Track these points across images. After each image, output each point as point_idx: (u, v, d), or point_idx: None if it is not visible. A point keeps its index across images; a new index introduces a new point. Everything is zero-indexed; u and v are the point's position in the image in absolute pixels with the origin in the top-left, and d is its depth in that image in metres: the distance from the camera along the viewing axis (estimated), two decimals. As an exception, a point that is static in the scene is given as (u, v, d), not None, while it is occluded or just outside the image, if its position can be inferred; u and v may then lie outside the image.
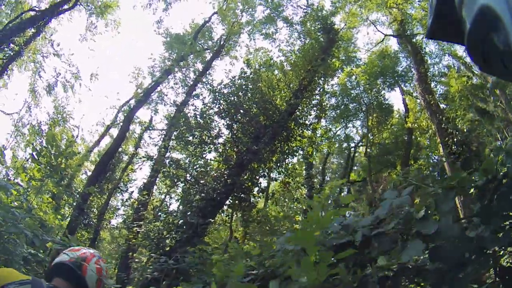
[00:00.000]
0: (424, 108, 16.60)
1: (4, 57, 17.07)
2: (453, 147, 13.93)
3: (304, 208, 15.06)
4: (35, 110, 29.54)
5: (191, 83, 16.55)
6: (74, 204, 16.34)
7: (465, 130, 15.39)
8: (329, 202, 14.85)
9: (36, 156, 15.47)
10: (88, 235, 18.97)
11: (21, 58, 19.40)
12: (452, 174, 2.63)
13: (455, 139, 14.12)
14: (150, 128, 19.52)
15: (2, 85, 20.24)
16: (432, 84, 18.40)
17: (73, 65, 22.42)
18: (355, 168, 23.58)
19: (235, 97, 13.08)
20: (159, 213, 13.16)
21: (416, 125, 20.32)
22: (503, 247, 3.05)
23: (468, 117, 16.14)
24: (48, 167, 14.54)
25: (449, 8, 0.76)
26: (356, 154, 23.30)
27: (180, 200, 13.73)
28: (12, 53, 17.06)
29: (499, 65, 0.66)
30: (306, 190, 15.30)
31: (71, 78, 22.52)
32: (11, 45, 16.68)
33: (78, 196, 14.32)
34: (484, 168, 2.58)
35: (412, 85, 21.57)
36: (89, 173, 23.78)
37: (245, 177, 12.05)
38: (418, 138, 22.20)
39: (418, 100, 19.06)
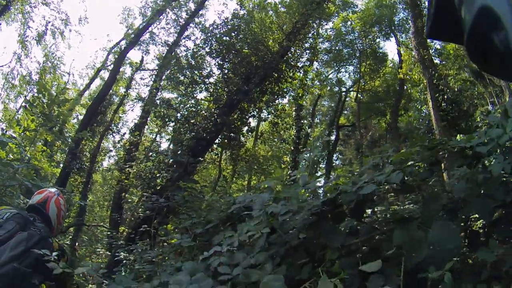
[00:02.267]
0: (418, 61, 16.50)
1: None
2: (442, 104, 14.03)
3: (292, 148, 15.28)
4: (25, 60, 28.88)
5: (183, 23, 16.18)
6: (67, 149, 16.40)
7: (456, 89, 15.43)
8: (318, 144, 15.12)
9: (28, 107, 15.36)
10: (81, 178, 19.23)
11: (9, 11, 18.75)
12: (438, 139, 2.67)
13: (445, 96, 14.20)
14: (141, 69, 19.27)
15: None
16: (428, 39, 18.14)
17: (63, 12, 21.76)
18: (345, 112, 23.68)
19: (227, 37, 12.88)
20: (150, 153, 13.34)
21: (408, 76, 20.27)
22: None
23: (461, 77, 16.14)
24: (41, 116, 14.49)
25: (449, 8, 0.75)
26: (347, 99, 23.34)
27: (170, 140, 13.86)
28: None
29: (499, 65, 0.66)
30: (295, 131, 15.45)
31: (61, 24, 21.93)
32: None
33: (70, 141, 14.35)
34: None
35: (407, 37, 21.27)
36: (81, 117, 23.79)
37: (235, 116, 12.13)
38: (410, 90, 22.23)
39: (413, 53, 18.88)
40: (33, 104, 15.66)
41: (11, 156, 6.30)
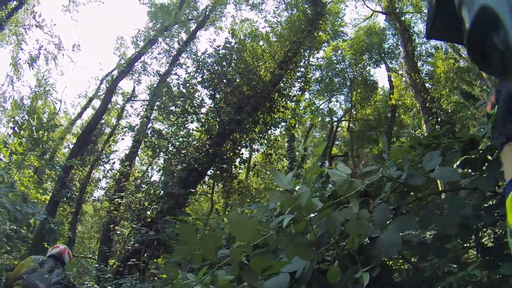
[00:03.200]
0: (409, 86, 16.66)
1: None
2: (436, 127, 14.07)
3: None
4: (17, 84, 28.88)
5: (175, 53, 16.26)
6: (56, 178, 16.14)
7: (449, 110, 15.54)
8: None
9: (17, 130, 15.13)
10: (70, 208, 18.89)
11: (3, 32, 18.81)
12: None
13: (439, 119, 14.26)
14: (133, 99, 19.23)
15: None
16: (419, 63, 18.44)
17: (56, 36, 21.89)
18: (337, 142, 23.70)
19: (219, 66, 12.90)
20: (141, 184, 13.11)
21: (400, 102, 20.43)
22: (485, 225, 3.10)
23: (452, 99, 16.30)
24: (30, 140, 14.27)
25: (449, 8, 0.76)
26: (339, 129, 23.39)
27: (161, 171, 13.67)
28: None
29: (499, 65, 0.66)
30: (287, 162, 15.34)
31: (54, 49, 22.03)
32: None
33: (60, 169, 14.13)
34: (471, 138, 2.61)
35: (398, 62, 21.58)
36: (72, 146, 23.56)
37: (227, 147, 12.00)
38: (402, 116, 22.37)
39: (404, 78, 19.09)
40: (22, 127, 15.43)
41: None
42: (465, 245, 3.36)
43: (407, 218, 2.50)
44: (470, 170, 3.11)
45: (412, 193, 2.96)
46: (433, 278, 2.92)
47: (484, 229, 3.24)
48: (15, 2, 16.86)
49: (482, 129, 2.86)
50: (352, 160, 20.18)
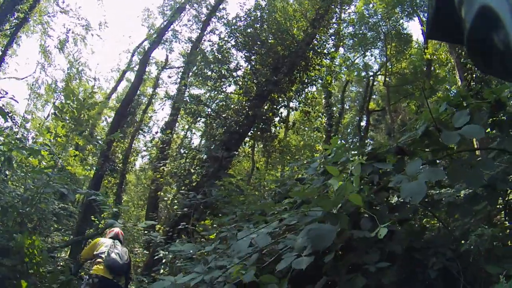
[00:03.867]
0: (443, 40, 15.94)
1: (10, 27, 16.87)
2: (471, 83, 13.57)
3: (324, 136, 15.12)
4: (49, 69, 29.56)
5: (204, 18, 16.20)
6: (98, 152, 16.64)
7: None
8: (349, 130, 14.87)
9: (57, 113, 15.60)
10: (114, 180, 19.57)
11: (28, 24, 19.17)
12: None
13: (474, 75, 13.72)
14: (167, 68, 19.41)
15: (12, 53, 20.14)
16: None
17: (82, 18, 22.16)
18: (374, 97, 23.25)
19: (252, 29, 12.81)
20: (184, 150, 13.44)
21: (435, 57, 19.70)
22: None
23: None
24: (71, 121, 14.70)
25: (449, 8, 0.74)
26: (375, 83, 22.88)
27: (202, 136, 13.93)
28: (18, 21, 16.84)
29: (499, 65, 0.65)
30: (325, 119, 15.26)
31: (82, 30, 22.35)
32: (16, 14, 16.41)
33: (102, 143, 14.62)
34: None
35: (431, 15, 20.53)
36: (109, 120, 24.22)
37: (266, 108, 12.08)
38: (437, 70, 21.62)
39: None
40: (62, 110, 15.91)
41: (44, 164, 6.32)
42: (498, 206, 3.41)
43: (435, 170, 2.63)
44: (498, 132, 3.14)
45: (445, 151, 3.05)
46: (461, 237, 3.02)
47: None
48: (35, -7, 17.06)
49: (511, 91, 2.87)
50: (389, 115, 19.84)
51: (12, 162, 5.21)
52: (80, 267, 6.85)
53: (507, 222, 3.22)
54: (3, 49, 16.83)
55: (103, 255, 5.34)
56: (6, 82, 21.30)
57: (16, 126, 17.04)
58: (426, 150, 3.12)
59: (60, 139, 12.65)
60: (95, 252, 5.50)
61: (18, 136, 8.07)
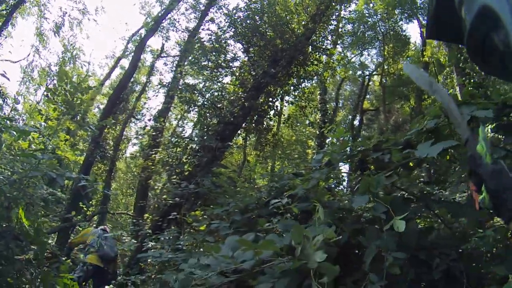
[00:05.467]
0: (442, 44, 16.04)
1: (7, 8, 16.54)
2: (469, 88, 13.67)
3: (318, 133, 15.10)
4: (43, 52, 29.18)
5: (203, 8, 16.00)
6: (89, 138, 16.45)
7: (483, 73, 15.00)
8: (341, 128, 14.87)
9: (50, 95, 15.31)
10: (104, 167, 19.34)
11: (24, 5, 18.82)
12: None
13: (471, 80, 13.81)
14: (163, 56, 19.21)
15: (7, 35, 19.78)
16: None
17: (80, 2, 21.84)
18: (368, 96, 23.29)
19: (251, 20, 12.68)
20: (176, 139, 13.27)
21: (433, 60, 19.76)
22: None
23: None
24: (64, 105, 14.43)
25: (449, 8, 0.74)
26: (370, 83, 22.93)
27: (195, 125, 13.78)
28: (14, 2, 16.52)
29: (499, 65, 0.65)
30: (320, 115, 15.22)
31: (78, 14, 22.05)
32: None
33: (94, 129, 14.35)
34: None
35: (431, 18, 20.57)
36: (102, 106, 23.96)
37: (261, 100, 11.99)
38: (435, 72, 21.70)
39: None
40: (55, 92, 15.62)
41: (33, 147, 6.27)
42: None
43: (448, 141, 2.64)
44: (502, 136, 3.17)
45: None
46: (463, 238, 3.01)
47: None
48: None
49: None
50: (384, 115, 19.86)
51: (2, 143, 4.99)
52: (70, 252, 7.38)
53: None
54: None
55: (95, 246, 6.48)
56: (0, 64, 20.86)
57: (7, 105, 16.70)
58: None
59: (51, 122, 12.44)
60: (87, 242, 6.70)
61: (8, 117, 7.86)
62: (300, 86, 13.16)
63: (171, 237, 6.66)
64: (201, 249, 4.84)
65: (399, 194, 3.46)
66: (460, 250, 2.78)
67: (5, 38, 19.41)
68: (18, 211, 4.87)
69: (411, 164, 3.23)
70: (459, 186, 3.64)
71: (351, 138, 14.98)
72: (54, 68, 24.12)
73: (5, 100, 16.60)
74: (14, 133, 5.03)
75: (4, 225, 4.70)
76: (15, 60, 23.67)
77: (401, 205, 2.90)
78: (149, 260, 6.87)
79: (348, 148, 3.52)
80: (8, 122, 5.02)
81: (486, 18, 0.61)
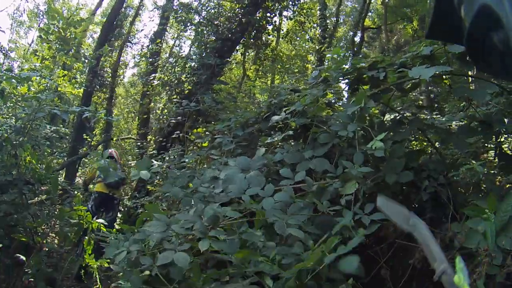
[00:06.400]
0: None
1: None
2: None
3: (317, 48, 14.87)
4: None
5: None
6: (86, 69, 16.20)
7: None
8: (342, 44, 14.56)
9: (43, 35, 14.86)
10: (104, 95, 19.21)
11: None
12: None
13: None
14: (154, -25, 18.34)
15: None
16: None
17: None
18: (370, 14, 22.55)
19: None
20: (174, 59, 13.10)
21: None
22: (507, 132, 3.13)
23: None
24: (58, 42, 14.00)
25: (449, 8, 0.73)
26: (372, 1, 22.09)
27: (193, 43, 13.52)
28: None
29: (498, 65, 0.65)
30: (319, 30, 14.89)
31: None
32: None
33: (91, 59, 14.02)
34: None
35: None
36: (95, 36, 23.41)
37: (259, 16, 11.68)
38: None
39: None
40: (48, 31, 15.19)
41: (32, 89, 6.23)
42: (486, 145, 3.50)
43: (441, 66, 2.65)
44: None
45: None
46: (451, 166, 3.09)
47: (506, 136, 3.41)
48: None
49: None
50: (385, 34, 19.36)
51: (5, 94, 5.07)
52: (87, 188, 8.04)
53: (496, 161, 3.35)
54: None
55: (102, 175, 6.73)
56: None
57: (7, 56, 16.35)
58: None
59: (47, 62, 12.27)
60: (96, 175, 7.30)
61: (5, 67, 7.67)
62: (298, 1, 12.71)
63: (175, 156, 6.78)
64: (205, 166, 4.96)
65: (392, 116, 3.56)
66: (448, 177, 2.86)
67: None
68: (25, 155, 5.03)
69: (407, 87, 3.28)
70: (457, 114, 3.68)
71: (351, 55, 14.76)
72: (43, 7, 23.30)
73: (4, 49, 16.11)
74: (14, 81, 5.05)
75: (14, 173, 4.87)
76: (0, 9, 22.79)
77: (385, 126, 3.05)
78: (155, 181, 7.04)
79: (347, 65, 3.54)
80: (7, 72, 4.98)
81: (485, 17, 0.60)
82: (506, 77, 0.78)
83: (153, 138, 12.95)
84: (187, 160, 5.32)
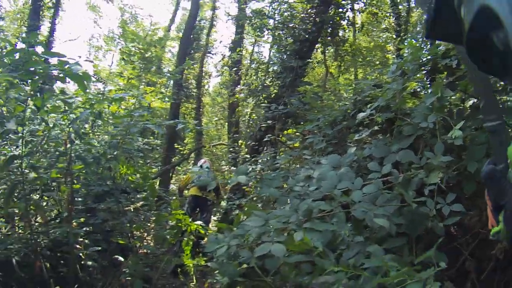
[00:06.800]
0: None
1: None
2: None
3: (394, 37, 14.64)
4: (99, 21, 30.20)
5: None
6: (169, 83, 17.02)
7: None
8: (418, 29, 14.17)
9: (126, 58, 16.31)
10: (191, 106, 20.29)
11: None
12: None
13: None
14: (223, -13, 19.17)
15: (58, 21, 20.64)
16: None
17: None
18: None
19: None
20: (256, 65, 13.74)
21: None
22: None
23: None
24: (141, 62, 15.17)
25: (448, 8, 0.72)
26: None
27: (271, 47, 14.03)
28: None
29: (498, 66, 0.65)
30: (393, 19, 14.65)
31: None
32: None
33: (174, 74, 14.87)
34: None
35: None
36: (173, 50, 24.84)
37: (332, 12, 11.99)
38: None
39: None
40: (130, 53, 16.71)
41: (123, 108, 6.50)
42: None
43: None
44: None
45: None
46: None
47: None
48: None
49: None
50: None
51: (102, 115, 5.38)
52: (182, 194, 8.77)
53: None
54: (51, 20, 17.06)
55: (195, 180, 7.51)
56: (62, 46, 22.44)
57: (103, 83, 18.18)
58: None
59: (133, 81, 13.37)
60: (190, 181, 7.83)
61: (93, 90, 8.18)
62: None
63: (268, 158, 7.09)
64: (297, 166, 5.10)
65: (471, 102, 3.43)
66: None
67: (59, 22, 20.39)
68: (119, 168, 5.46)
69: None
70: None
71: (429, 44, 14.14)
72: (117, 31, 25.36)
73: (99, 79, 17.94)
74: (111, 103, 5.31)
75: (109, 183, 5.27)
76: (73, 38, 25.43)
77: (464, 114, 2.99)
78: (250, 184, 7.64)
79: (424, 53, 3.58)
80: (102, 95, 5.34)
81: (485, 18, 0.59)
82: (506, 77, 0.79)
83: (244, 142, 13.59)
84: (280, 161, 5.58)
